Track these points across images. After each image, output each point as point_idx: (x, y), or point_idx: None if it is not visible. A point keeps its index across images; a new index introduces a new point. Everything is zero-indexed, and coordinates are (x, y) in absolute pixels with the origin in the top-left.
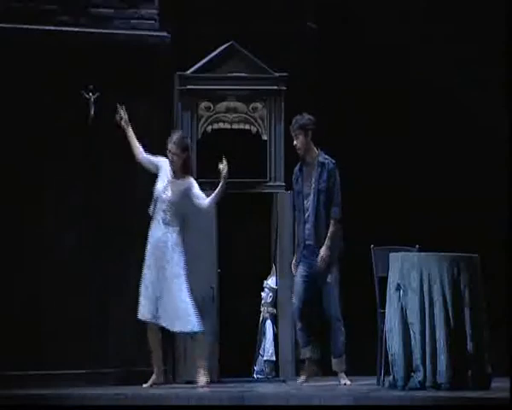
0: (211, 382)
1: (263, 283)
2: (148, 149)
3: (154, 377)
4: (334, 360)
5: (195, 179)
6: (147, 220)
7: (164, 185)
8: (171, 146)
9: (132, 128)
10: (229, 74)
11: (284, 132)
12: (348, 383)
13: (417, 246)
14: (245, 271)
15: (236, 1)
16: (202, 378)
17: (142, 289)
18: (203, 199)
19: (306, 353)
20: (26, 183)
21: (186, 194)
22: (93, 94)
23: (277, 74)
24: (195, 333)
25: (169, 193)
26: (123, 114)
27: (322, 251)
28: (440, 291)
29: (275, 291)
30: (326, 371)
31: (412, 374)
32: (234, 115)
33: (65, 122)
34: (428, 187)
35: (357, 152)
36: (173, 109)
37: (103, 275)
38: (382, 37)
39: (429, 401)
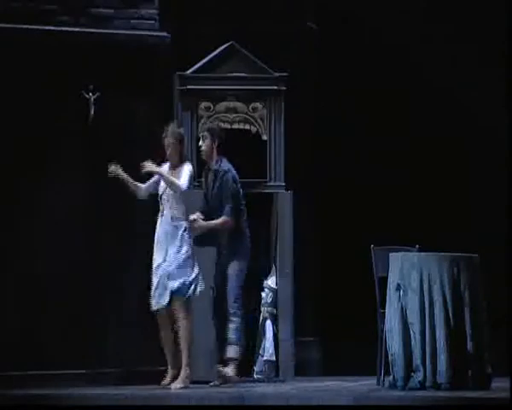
0: (211, 382)
1: (263, 283)
2: (147, 149)
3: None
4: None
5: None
6: (148, 220)
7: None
8: (167, 139)
9: (132, 128)
10: (229, 74)
11: (284, 132)
12: (230, 374)
13: (417, 246)
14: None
15: (236, 1)
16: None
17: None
18: (180, 180)
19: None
20: (25, 182)
21: None
22: (93, 94)
23: (277, 74)
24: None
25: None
26: (114, 168)
27: (199, 222)
28: (440, 291)
29: (275, 291)
30: (326, 371)
31: (412, 374)
32: (234, 115)
33: (65, 122)
34: (428, 187)
35: (357, 152)
36: (173, 109)
37: (103, 275)
38: (382, 37)
39: (429, 401)
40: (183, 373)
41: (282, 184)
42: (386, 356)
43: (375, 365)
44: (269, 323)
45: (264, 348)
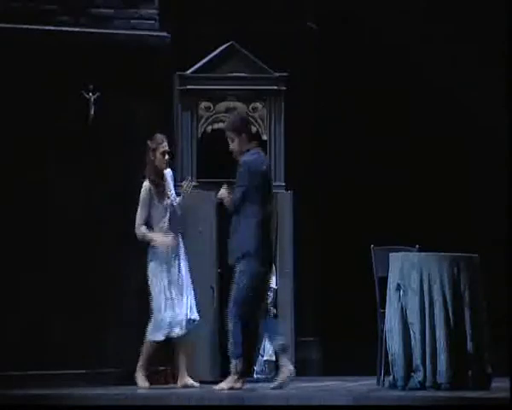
0: (211, 382)
1: None
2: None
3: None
4: None
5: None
6: None
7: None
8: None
9: (132, 128)
10: (229, 74)
11: (284, 132)
12: (224, 388)
13: (417, 246)
14: None
15: (236, 1)
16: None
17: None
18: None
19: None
20: (25, 183)
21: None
22: (93, 94)
23: (277, 74)
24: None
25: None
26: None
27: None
28: (440, 291)
29: (275, 291)
30: (326, 371)
31: (412, 374)
32: None
33: (65, 122)
34: (428, 187)
35: (357, 152)
36: (173, 109)
37: (103, 275)
38: (382, 37)
39: (429, 401)
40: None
41: (282, 184)
42: (386, 356)
43: (375, 365)
44: None
45: (264, 348)
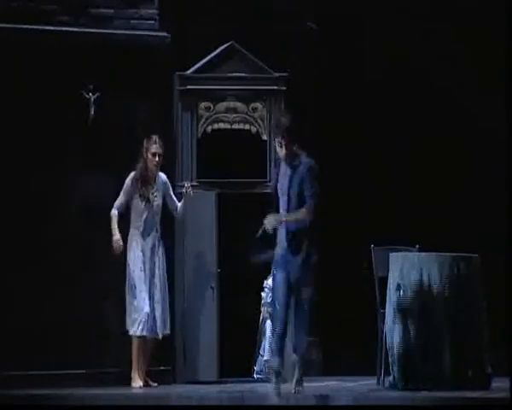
0: (211, 382)
1: (263, 283)
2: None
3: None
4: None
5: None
6: None
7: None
8: (161, 149)
9: (132, 128)
10: (229, 74)
11: None
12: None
13: (417, 246)
14: (245, 271)
15: (236, 1)
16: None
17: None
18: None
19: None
20: (25, 183)
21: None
22: (93, 94)
23: (277, 74)
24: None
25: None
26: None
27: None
28: (440, 291)
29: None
30: (326, 371)
31: (412, 374)
32: (234, 115)
33: (65, 122)
34: (429, 187)
35: (356, 152)
36: (173, 109)
37: (103, 275)
38: (382, 36)
39: (429, 400)
40: None
41: None
42: (386, 356)
43: (375, 365)
44: (269, 323)
45: (264, 348)
